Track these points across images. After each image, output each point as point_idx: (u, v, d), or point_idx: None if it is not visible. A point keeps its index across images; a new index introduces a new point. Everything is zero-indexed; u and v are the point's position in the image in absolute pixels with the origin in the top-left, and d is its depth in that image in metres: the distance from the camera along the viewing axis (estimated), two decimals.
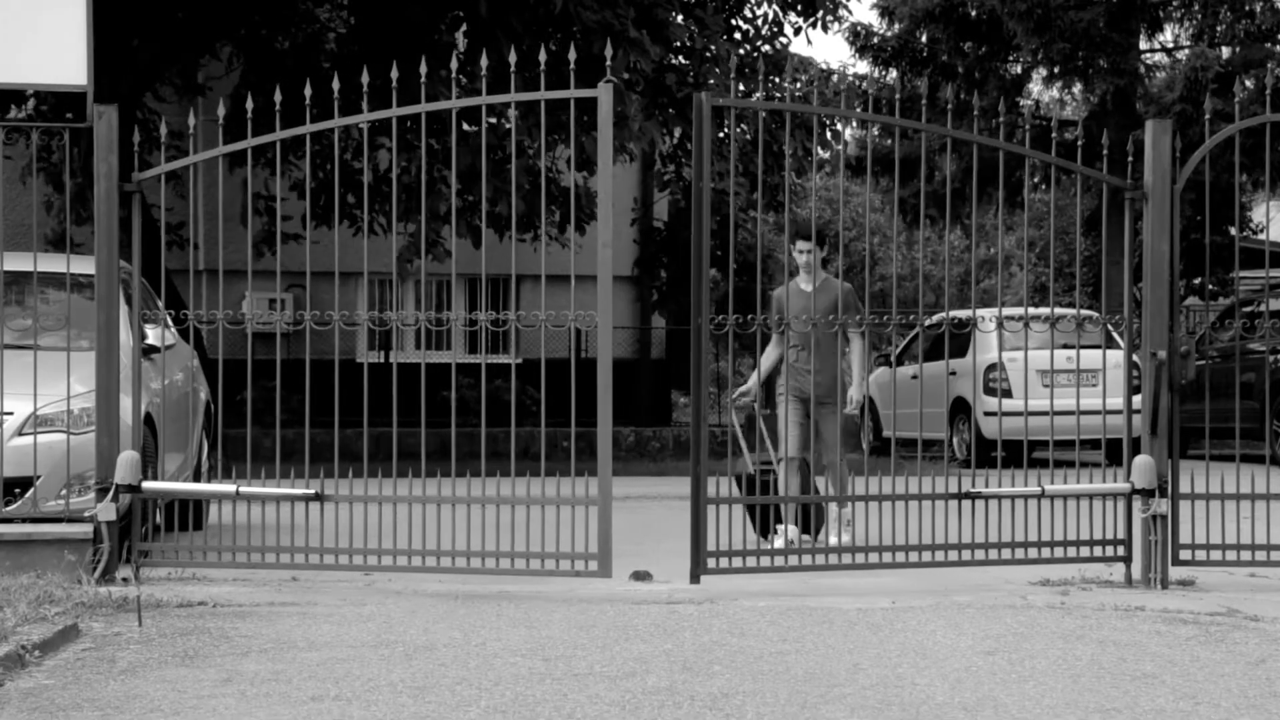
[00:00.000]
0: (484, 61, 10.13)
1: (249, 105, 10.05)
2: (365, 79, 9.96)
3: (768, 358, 12.06)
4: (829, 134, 26.79)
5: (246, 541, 10.13)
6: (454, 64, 10.00)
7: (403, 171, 21.88)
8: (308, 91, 10.03)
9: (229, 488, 10.01)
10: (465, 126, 21.50)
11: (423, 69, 9.98)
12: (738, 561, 10.03)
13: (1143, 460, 10.05)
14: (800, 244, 11.72)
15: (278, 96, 10.14)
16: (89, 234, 10.51)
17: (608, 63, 9.89)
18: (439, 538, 10.09)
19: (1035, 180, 31.89)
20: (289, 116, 10.18)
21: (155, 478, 10.65)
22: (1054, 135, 10.66)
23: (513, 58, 9.95)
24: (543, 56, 9.83)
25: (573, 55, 9.89)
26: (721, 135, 25.77)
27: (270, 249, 23.72)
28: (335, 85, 10.06)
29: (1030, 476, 10.37)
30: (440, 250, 21.51)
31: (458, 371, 27.70)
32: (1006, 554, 10.17)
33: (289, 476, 10.20)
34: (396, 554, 9.99)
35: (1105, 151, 10.42)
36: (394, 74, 9.93)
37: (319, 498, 9.81)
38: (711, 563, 9.93)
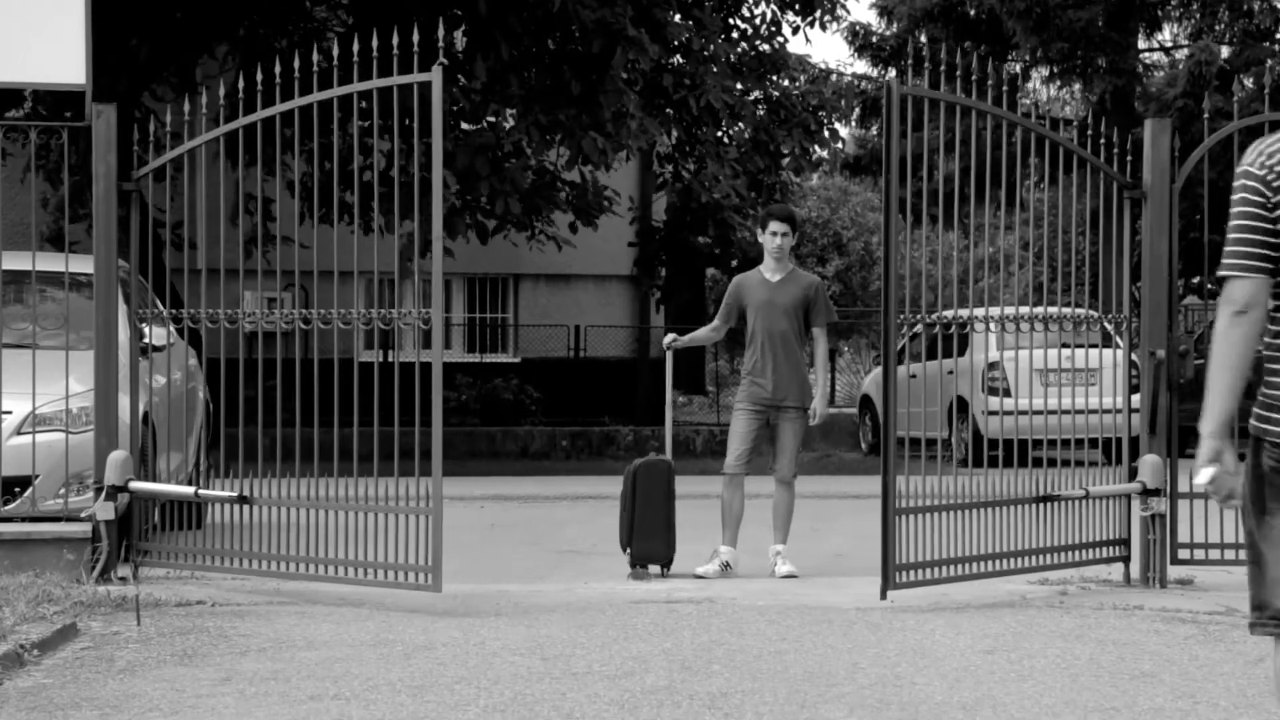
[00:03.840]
0: (441, 33, 9.67)
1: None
2: (355, 47, 9.54)
3: (701, 332, 11.48)
4: (826, 133, 26.79)
5: (210, 544, 9.94)
6: (415, 35, 9.42)
7: (401, 170, 21.86)
8: (296, 63, 9.64)
9: (188, 490, 9.94)
10: (464, 126, 21.51)
11: (394, 40, 9.52)
12: (925, 574, 9.47)
13: (1151, 459, 10.03)
14: (773, 225, 10.82)
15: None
16: (83, 233, 10.45)
17: (439, 45, 9.30)
18: (296, 543, 9.58)
19: (1035, 180, 31.87)
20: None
21: (153, 477, 10.63)
22: (1084, 132, 10.51)
23: (335, 50, 9.42)
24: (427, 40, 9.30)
25: (416, 38, 9.27)
26: (719, 135, 25.76)
27: (265, 248, 23.68)
28: (315, 57, 9.56)
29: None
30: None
31: (457, 370, 27.76)
32: (1059, 558, 10.03)
33: (225, 476, 9.94)
34: (264, 558, 9.63)
35: (1116, 150, 10.42)
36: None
37: (244, 500, 9.66)
38: (900, 576, 9.33)
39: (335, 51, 9.53)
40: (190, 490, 9.91)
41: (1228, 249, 4.61)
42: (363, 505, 9.43)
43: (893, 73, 31.42)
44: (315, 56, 9.57)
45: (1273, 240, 4.53)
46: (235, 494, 9.65)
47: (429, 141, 9.26)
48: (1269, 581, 4.78)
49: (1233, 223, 4.62)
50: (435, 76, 9.15)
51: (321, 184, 24.80)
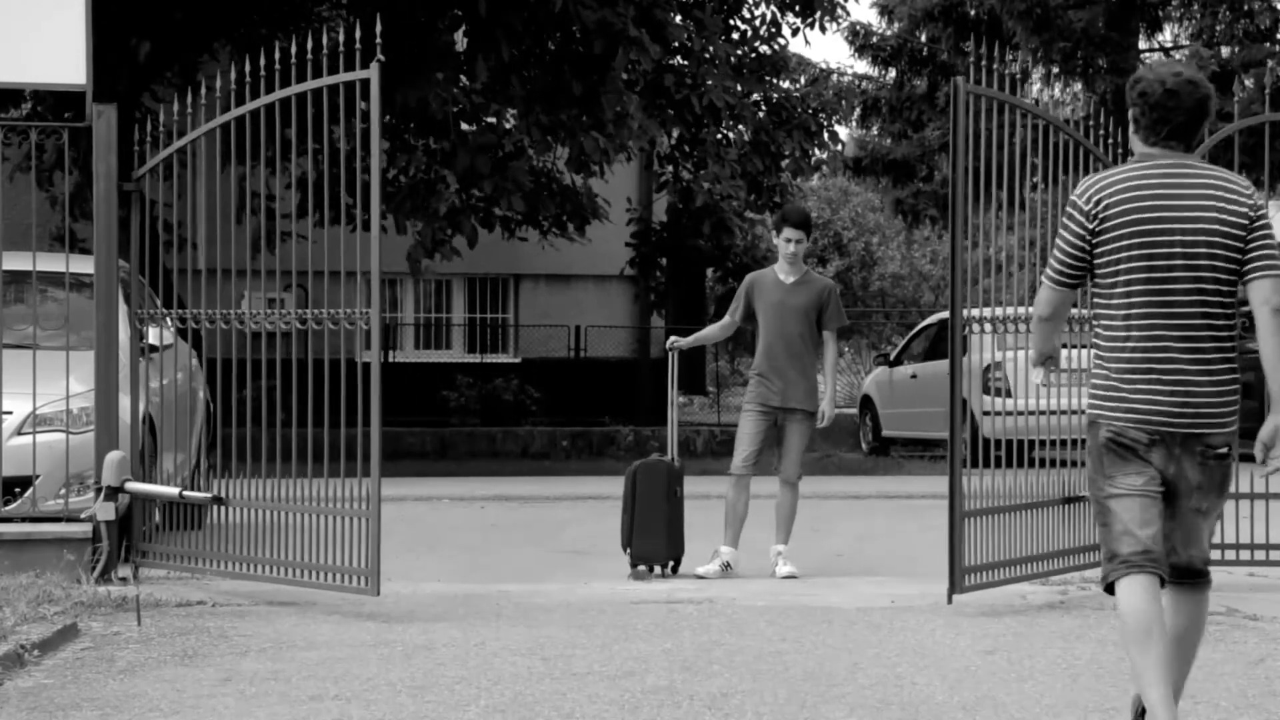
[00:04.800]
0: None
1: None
2: (358, 32, 9.34)
3: (708, 330, 11.57)
4: (825, 135, 26.78)
5: (193, 545, 9.94)
6: (358, 32, 9.10)
7: (400, 172, 21.89)
8: (262, 61, 9.44)
9: (173, 490, 9.90)
10: (464, 126, 21.51)
11: (290, 46, 9.29)
12: (988, 576, 9.38)
13: None
14: (787, 231, 10.76)
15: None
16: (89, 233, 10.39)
17: (377, 40, 9.10)
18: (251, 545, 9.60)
19: (1035, 180, 31.82)
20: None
21: (150, 478, 10.61)
22: (1098, 130, 10.46)
23: (264, 59, 9.30)
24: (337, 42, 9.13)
25: (370, 33, 9.06)
26: (719, 135, 25.74)
27: (269, 248, 23.66)
28: (274, 56, 9.35)
29: (1066, 478, 10.16)
30: (448, 249, 21.49)
31: (457, 370, 27.79)
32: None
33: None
34: (226, 559, 9.66)
35: (1120, 150, 10.42)
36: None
37: (219, 501, 9.63)
38: (969, 579, 9.21)
39: (293, 49, 9.46)
40: (175, 491, 9.86)
41: (1051, 262, 5.92)
42: (308, 507, 9.34)
43: (892, 73, 31.44)
44: (274, 56, 9.50)
45: (1086, 261, 5.82)
46: (210, 495, 9.65)
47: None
48: (1116, 535, 5.76)
49: (1058, 241, 5.89)
50: (373, 73, 9.05)
51: (322, 184, 24.64)
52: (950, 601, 9.17)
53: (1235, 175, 5.97)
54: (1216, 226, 5.78)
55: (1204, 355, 5.84)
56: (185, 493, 9.76)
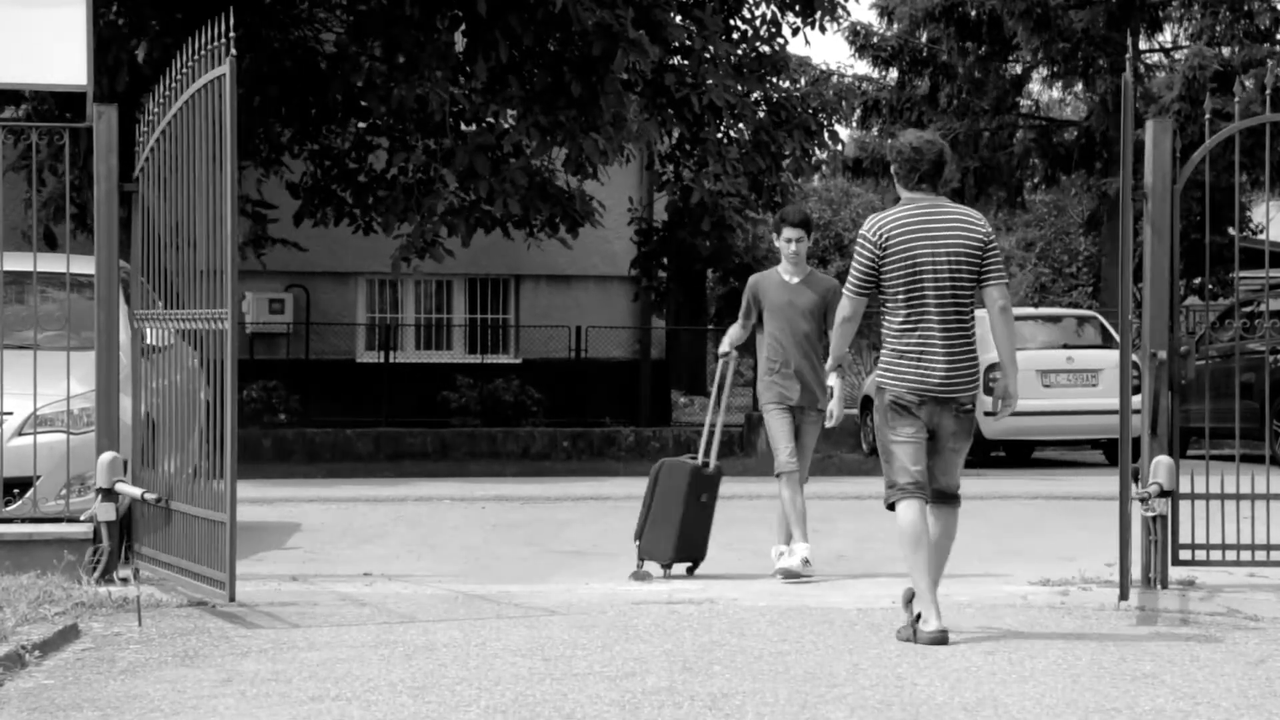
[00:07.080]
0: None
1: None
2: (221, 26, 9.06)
3: (733, 332, 11.16)
4: (826, 135, 26.76)
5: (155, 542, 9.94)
6: (222, 26, 8.93)
7: (400, 171, 21.90)
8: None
9: (136, 491, 9.85)
10: (463, 126, 21.52)
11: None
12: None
13: (1164, 460, 9.96)
14: (787, 231, 10.75)
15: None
16: (58, 233, 10.37)
17: (231, 36, 8.86)
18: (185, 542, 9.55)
19: (1036, 180, 31.90)
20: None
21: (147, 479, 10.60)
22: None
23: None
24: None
25: (236, 31, 8.92)
26: (719, 136, 25.72)
27: (260, 251, 23.68)
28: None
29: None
30: (439, 250, 21.49)
31: (458, 371, 27.80)
32: None
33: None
34: (164, 560, 9.68)
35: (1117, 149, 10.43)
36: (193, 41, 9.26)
37: (160, 503, 9.60)
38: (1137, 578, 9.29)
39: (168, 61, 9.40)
40: (138, 492, 9.83)
41: (850, 277, 8.08)
42: (182, 507, 9.28)
43: (893, 73, 31.41)
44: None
45: (875, 278, 8.02)
46: (155, 497, 9.64)
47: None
48: (896, 470, 7.99)
49: (854, 263, 8.06)
50: (227, 68, 8.87)
51: (322, 185, 24.65)
52: (1118, 607, 9.08)
53: (974, 211, 8.12)
54: (961, 249, 7.94)
55: (953, 342, 7.97)
56: (146, 494, 9.73)
